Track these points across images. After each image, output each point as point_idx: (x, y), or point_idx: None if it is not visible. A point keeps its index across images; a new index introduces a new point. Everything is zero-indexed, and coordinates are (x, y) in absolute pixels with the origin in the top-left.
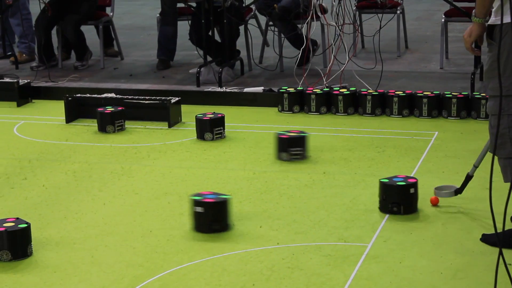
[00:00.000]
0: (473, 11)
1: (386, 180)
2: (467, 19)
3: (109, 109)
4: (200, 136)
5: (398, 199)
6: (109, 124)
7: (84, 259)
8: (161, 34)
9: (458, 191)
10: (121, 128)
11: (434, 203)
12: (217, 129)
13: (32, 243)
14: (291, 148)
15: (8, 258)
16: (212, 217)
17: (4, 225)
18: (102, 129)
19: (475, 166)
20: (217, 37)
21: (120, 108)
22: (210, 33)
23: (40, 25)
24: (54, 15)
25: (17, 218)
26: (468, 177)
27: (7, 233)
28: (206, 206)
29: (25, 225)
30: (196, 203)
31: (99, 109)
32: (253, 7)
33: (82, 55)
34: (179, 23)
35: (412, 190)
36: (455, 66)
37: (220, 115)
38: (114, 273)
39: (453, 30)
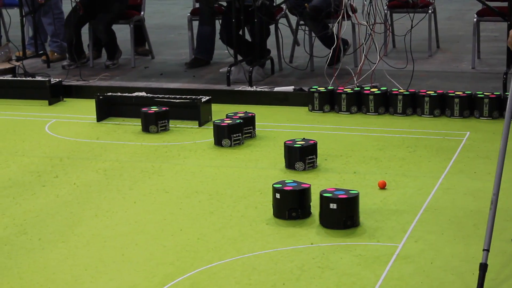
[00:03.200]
0: None
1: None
2: (499, 18)
3: (154, 109)
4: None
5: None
6: (153, 124)
7: (115, 257)
8: (198, 33)
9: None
10: (165, 129)
11: (382, 187)
12: (247, 128)
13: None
14: (307, 156)
15: None
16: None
17: None
18: (146, 129)
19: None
20: (247, 37)
21: (165, 109)
22: (240, 32)
23: (70, 24)
24: (85, 14)
25: None
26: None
27: None
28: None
29: None
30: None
31: (143, 109)
32: (283, 6)
33: (113, 54)
34: None
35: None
36: (487, 66)
37: (251, 114)
38: (144, 271)
39: (485, 29)
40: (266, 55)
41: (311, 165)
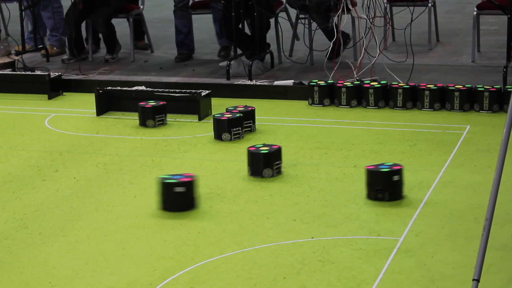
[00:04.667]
0: None
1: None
2: (499, 12)
3: (151, 103)
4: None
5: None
6: (150, 118)
7: (115, 251)
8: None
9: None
10: (162, 123)
11: None
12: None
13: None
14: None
15: None
16: None
17: None
18: (143, 123)
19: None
20: (247, 30)
21: (162, 103)
22: (240, 26)
23: (70, 19)
24: (85, 9)
25: None
26: None
27: None
28: None
29: None
30: None
31: (140, 103)
32: (283, 0)
33: (113, 48)
34: (209, 15)
35: (396, 178)
36: (487, 59)
37: (250, 108)
38: (145, 265)
39: (485, 23)
40: (266, 49)
41: (278, 171)
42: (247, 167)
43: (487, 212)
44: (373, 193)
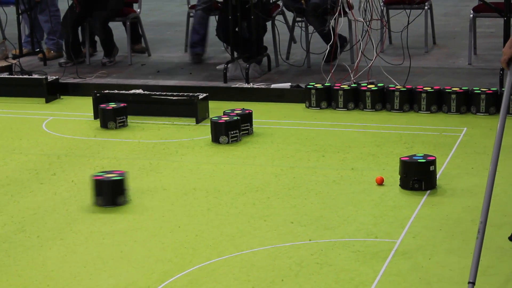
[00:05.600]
0: None
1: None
2: (495, 14)
3: (112, 105)
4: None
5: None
6: (111, 120)
7: (113, 254)
8: None
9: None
10: (123, 125)
11: (380, 182)
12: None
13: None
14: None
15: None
16: None
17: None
18: (104, 125)
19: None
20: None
21: (123, 105)
22: (237, 29)
23: (67, 22)
24: (82, 12)
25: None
26: None
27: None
28: None
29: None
30: None
31: (101, 105)
32: (280, 3)
33: (110, 52)
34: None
35: (432, 168)
36: (483, 62)
37: (248, 111)
38: (143, 268)
39: (481, 25)
40: (263, 52)
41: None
42: (244, 170)
43: (481, 215)
44: (409, 183)
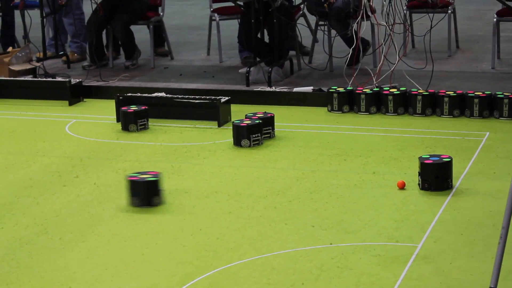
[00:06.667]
0: None
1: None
2: None
3: (133, 108)
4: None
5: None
6: (132, 123)
7: (135, 257)
8: None
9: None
10: (144, 127)
11: (401, 187)
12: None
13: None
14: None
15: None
16: None
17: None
18: (125, 128)
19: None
20: (266, 37)
21: (144, 107)
22: (259, 33)
23: (91, 25)
24: (106, 15)
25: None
26: None
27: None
28: None
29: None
30: None
31: (122, 108)
32: (302, 6)
33: (131, 54)
34: (229, 22)
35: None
36: (507, 66)
37: (270, 114)
38: (164, 270)
39: (505, 30)
40: (285, 55)
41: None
42: (265, 173)
43: (503, 220)
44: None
